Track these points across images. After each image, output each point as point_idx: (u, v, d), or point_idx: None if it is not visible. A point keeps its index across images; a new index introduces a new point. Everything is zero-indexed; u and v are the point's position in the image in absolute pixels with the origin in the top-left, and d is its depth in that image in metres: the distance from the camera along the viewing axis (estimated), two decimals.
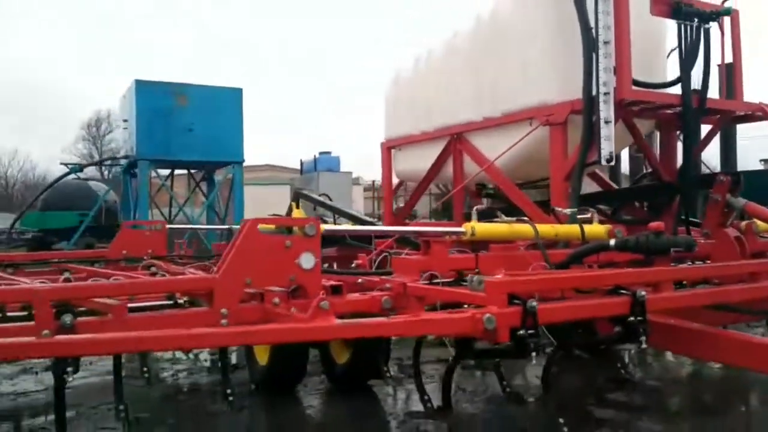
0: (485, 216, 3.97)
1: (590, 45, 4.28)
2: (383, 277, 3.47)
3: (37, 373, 5.56)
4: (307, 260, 3.06)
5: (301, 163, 20.43)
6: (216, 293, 2.87)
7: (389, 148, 6.66)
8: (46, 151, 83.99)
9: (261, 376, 5.03)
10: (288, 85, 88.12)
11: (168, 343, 2.65)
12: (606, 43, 4.14)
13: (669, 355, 6.11)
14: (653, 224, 3.35)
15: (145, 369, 4.76)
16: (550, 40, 4.62)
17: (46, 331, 2.54)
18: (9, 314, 2.98)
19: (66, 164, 15.50)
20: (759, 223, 4.52)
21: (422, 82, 6.19)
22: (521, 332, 2.63)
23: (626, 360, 5.75)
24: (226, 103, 13.77)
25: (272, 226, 3.15)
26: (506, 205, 5.81)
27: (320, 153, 19.66)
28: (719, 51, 4.68)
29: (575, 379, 5.25)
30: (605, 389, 5.04)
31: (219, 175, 15.42)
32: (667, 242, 3.28)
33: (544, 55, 4.64)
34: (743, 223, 4.42)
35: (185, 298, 3.35)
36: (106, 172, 51.02)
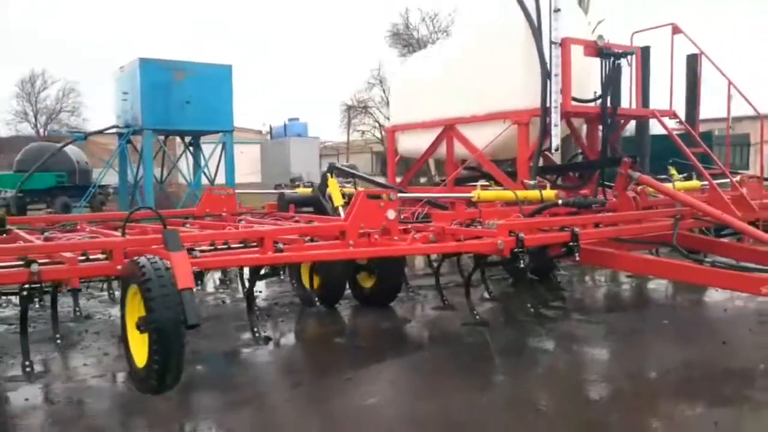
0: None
1: (546, 74, 6.66)
2: (426, 223, 5.83)
3: None
4: (391, 214, 5.38)
5: (271, 128, 22.28)
6: (347, 232, 5.15)
7: (393, 131, 8.94)
8: None
9: (308, 299, 7.29)
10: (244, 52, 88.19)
11: (330, 256, 4.95)
12: (556, 75, 6.53)
13: (590, 280, 8.81)
14: (584, 191, 5.81)
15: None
16: (520, 67, 6.96)
17: (270, 252, 4.78)
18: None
19: (71, 132, 16.92)
20: (648, 188, 7.05)
21: (424, 81, 8.42)
22: (516, 250, 5.04)
23: (561, 282, 8.33)
24: (218, 79, 15.58)
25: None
26: (479, 174, 8.27)
27: (289, 119, 21.57)
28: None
29: (529, 292, 7.77)
30: (548, 299, 7.57)
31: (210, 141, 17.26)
32: (590, 201, 5.78)
33: (517, 76, 6.99)
34: (639, 188, 6.94)
35: (308, 237, 5.62)
36: (41, 131, 51.09)
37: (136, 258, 3.77)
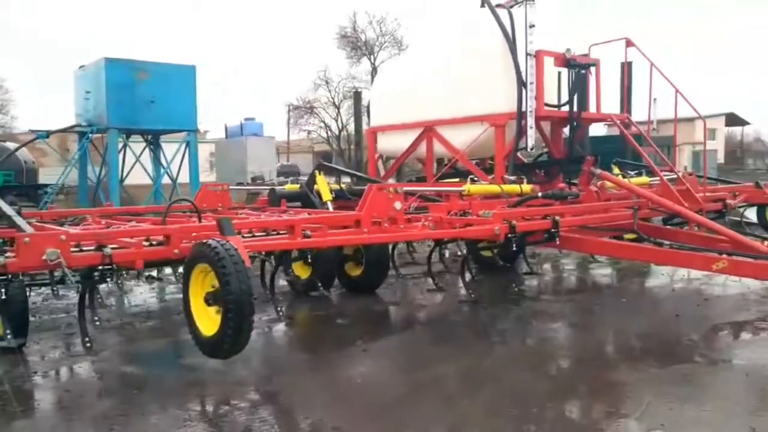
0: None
1: (521, 82, 7.52)
2: (423, 214, 6.55)
3: None
4: (398, 205, 6.08)
5: (226, 128, 22.55)
6: (362, 221, 5.81)
7: (374, 132, 9.64)
8: None
9: (303, 286, 7.89)
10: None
11: (351, 241, 5.60)
12: (531, 83, 7.39)
13: (554, 265, 9.75)
14: (560, 185, 6.67)
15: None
16: (498, 75, 7.79)
17: (299, 238, 5.40)
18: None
19: (34, 131, 16.82)
20: (607, 183, 8.00)
21: (404, 86, 9.11)
22: (510, 235, 5.84)
23: (530, 266, 9.19)
24: (181, 78, 15.86)
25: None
26: (453, 171, 9.08)
27: (245, 119, 21.92)
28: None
29: (502, 276, 8.60)
30: (519, 281, 8.42)
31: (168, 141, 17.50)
32: (566, 194, 6.65)
33: (495, 83, 7.81)
34: (599, 183, 7.85)
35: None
36: None
37: (206, 240, 4.33)
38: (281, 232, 5.62)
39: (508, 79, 7.67)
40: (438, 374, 4.86)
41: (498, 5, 7.96)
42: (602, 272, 9.25)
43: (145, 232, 4.85)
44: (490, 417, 4.09)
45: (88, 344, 4.85)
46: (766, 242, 6.70)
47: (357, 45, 33.14)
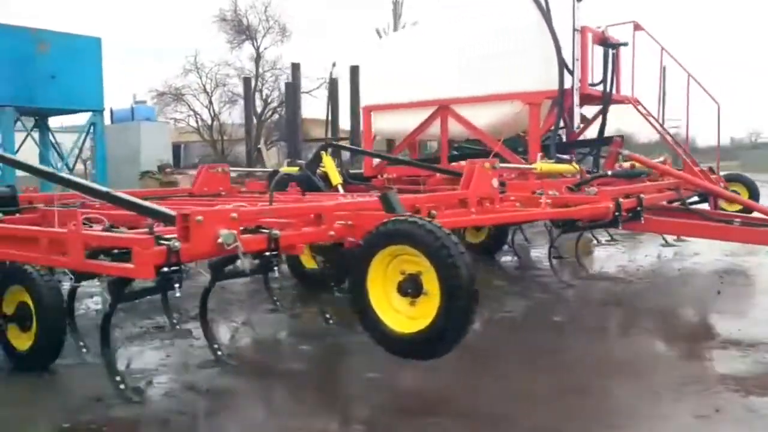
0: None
1: (561, 60, 7.26)
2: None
3: None
4: (495, 182, 5.52)
5: (112, 112, 20.27)
6: (469, 200, 5.21)
7: (370, 111, 8.90)
8: None
9: (309, 279, 7.01)
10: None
11: (465, 224, 5.02)
12: (577, 59, 7.16)
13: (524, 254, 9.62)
14: (626, 164, 6.50)
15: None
16: (536, 53, 7.47)
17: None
18: None
19: None
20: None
21: (410, 62, 8.47)
22: (616, 213, 5.54)
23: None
24: (86, 52, 13.87)
25: None
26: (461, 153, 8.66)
27: (136, 103, 19.87)
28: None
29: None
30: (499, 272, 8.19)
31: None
32: (638, 172, 6.49)
33: (531, 61, 7.49)
34: (627, 164, 7.80)
35: None
36: None
37: (411, 218, 3.56)
38: None
39: (544, 56, 7.39)
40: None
41: None
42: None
43: (300, 211, 3.91)
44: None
45: (219, 352, 3.83)
46: None
47: (240, 29, 31.41)
